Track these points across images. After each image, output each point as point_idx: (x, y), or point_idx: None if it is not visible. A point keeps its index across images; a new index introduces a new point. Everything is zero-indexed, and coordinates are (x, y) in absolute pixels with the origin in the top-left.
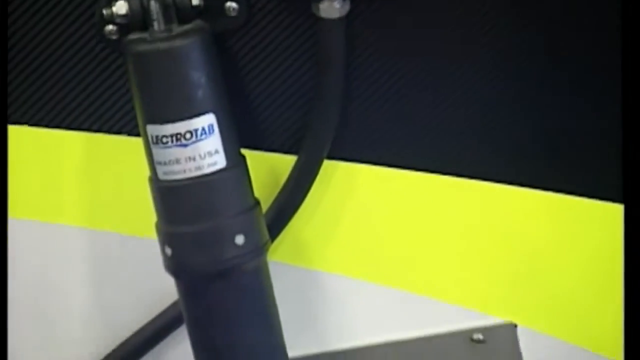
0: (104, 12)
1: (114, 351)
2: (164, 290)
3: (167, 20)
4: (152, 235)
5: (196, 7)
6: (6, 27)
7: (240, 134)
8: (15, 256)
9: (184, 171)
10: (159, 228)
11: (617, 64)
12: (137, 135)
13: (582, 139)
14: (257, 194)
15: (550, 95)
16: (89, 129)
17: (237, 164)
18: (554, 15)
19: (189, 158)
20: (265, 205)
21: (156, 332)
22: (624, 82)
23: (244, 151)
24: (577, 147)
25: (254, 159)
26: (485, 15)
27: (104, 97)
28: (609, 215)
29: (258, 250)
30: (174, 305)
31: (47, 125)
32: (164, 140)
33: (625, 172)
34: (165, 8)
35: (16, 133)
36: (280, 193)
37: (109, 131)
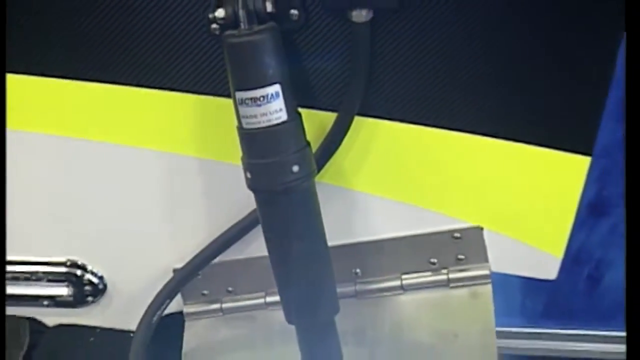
0: (210, 15)
1: (215, 239)
2: (247, 200)
3: (250, 22)
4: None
5: (270, 13)
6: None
7: (297, 97)
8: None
9: (259, 122)
10: (243, 160)
11: (595, 24)
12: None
13: (555, 96)
14: (308, 138)
15: (532, 62)
16: (200, 92)
17: (294, 118)
18: None
19: (262, 114)
20: (314, 147)
21: (242, 228)
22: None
23: (299, 109)
24: (550, 103)
25: (307, 115)
26: None
27: (213, 69)
28: (575, 166)
29: (308, 176)
30: (254, 211)
31: (178, 90)
32: (247, 101)
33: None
34: (249, 13)
35: (147, 94)
36: (325, 138)
37: (215, 94)
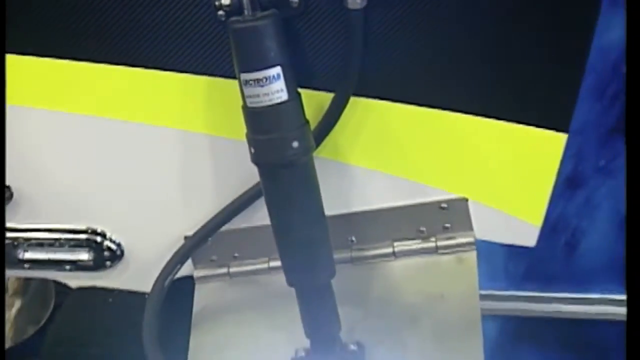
0: (217, 3)
1: (223, 209)
2: (251, 173)
3: (254, 8)
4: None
5: (271, 0)
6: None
7: (297, 78)
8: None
9: (262, 102)
10: (247, 135)
11: (571, 7)
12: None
13: (535, 77)
14: (307, 116)
15: (512, 42)
16: (210, 74)
17: (294, 98)
18: None
19: (265, 94)
20: (313, 124)
21: (247, 199)
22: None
23: (299, 89)
24: (530, 84)
25: (306, 95)
26: None
27: (220, 52)
28: (553, 142)
29: (307, 151)
30: (258, 183)
31: (189, 71)
32: (250, 82)
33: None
34: (252, 1)
35: (164, 76)
36: (322, 116)
37: (224, 76)
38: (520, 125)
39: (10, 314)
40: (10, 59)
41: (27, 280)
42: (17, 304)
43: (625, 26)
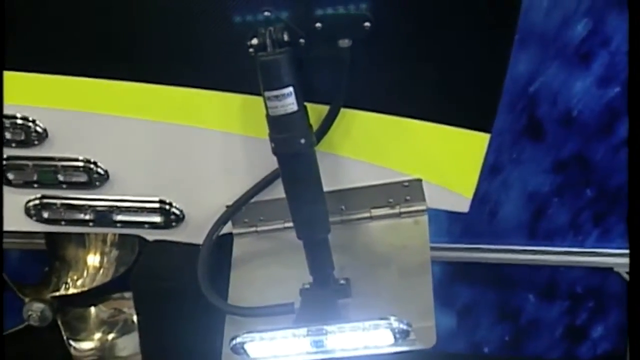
0: (248, 43)
1: (252, 187)
2: (272, 161)
3: (274, 47)
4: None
5: (286, 41)
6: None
7: (304, 95)
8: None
9: (279, 111)
10: (269, 135)
11: (490, 32)
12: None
13: (469, 96)
14: (311, 121)
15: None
16: (244, 92)
17: (302, 109)
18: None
19: (282, 105)
20: (315, 127)
21: (269, 180)
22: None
23: (305, 103)
24: (465, 100)
25: (310, 107)
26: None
27: (253, 80)
28: (480, 140)
29: (310, 145)
30: (277, 168)
31: (229, 90)
32: (271, 98)
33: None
34: (272, 42)
35: (200, 95)
36: (321, 121)
37: (253, 93)
38: (458, 128)
39: (110, 258)
40: (121, 86)
41: (120, 235)
42: (114, 252)
43: (628, 26)
